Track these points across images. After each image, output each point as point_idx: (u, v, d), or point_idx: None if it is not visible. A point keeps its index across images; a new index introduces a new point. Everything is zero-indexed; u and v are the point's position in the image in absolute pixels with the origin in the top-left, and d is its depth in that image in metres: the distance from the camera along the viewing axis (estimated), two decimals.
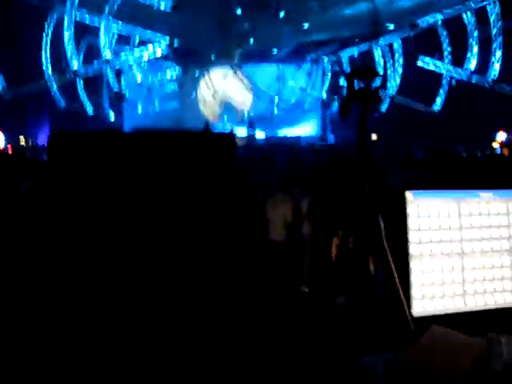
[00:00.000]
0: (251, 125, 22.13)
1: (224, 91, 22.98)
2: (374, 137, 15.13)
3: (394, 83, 21.56)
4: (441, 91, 20.45)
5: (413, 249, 2.30)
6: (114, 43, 20.52)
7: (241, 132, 21.13)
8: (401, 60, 21.54)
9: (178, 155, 3.53)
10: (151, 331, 3.23)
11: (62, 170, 3.62)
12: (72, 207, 3.60)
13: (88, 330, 3.42)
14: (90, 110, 20.60)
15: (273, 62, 23.29)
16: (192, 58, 22.37)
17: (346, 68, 22.60)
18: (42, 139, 19.89)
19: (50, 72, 19.69)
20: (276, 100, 23.40)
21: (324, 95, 24.24)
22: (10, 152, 15.23)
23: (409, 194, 2.31)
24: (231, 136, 4.02)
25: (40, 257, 3.92)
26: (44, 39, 19.72)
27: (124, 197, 3.37)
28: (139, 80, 22.19)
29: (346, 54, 22.74)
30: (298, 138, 22.06)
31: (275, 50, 22.10)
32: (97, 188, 3.42)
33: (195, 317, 3.50)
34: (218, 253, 3.64)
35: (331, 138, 23.02)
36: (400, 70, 21.57)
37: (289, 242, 7.01)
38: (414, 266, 2.30)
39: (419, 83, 19.44)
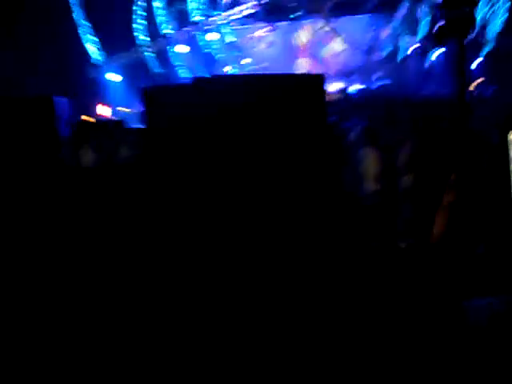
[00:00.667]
0: (346, 78, 21.60)
1: (315, 44, 22.55)
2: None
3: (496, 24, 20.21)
4: None
5: None
6: (202, 6, 20.66)
7: (336, 85, 20.71)
8: None
9: (272, 96, 3.48)
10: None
11: (160, 120, 3.65)
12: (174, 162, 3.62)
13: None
14: (182, 73, 20.93)
15: (365, 11, 22.48)
16: (281, 13, 22.06)
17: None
18: (138, 109, 20.43)
19: (143, 39, 20.14)
20: (369, 51, 22.67)
21: (420, 43, 23.16)
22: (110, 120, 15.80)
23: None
24: (320, 77, 3.91)
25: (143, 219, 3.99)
26: (135, 7, 20.14)
27: (222, 138, 3.37)
28: (228, 40, 22.22)
29: None
30: (393, 89, 21.30)
31: None
32: (197, 131, 3.42)
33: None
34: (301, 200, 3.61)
35: (428, 89, 22.04)
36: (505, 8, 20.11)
37: (383, 195, 6.85)
38: None
39: None
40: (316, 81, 3.93)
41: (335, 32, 22.41)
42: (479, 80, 17.97)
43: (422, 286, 5.05)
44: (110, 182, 4.62)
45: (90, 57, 19.64)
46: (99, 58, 19.85)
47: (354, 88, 21.62)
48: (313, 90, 3.73)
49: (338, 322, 3.48)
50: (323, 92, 3.90)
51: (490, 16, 20.33)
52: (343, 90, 20.55)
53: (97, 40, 19.66)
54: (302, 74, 4.84)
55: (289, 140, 3.56)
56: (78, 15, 19.34)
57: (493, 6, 20.38)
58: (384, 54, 22.84)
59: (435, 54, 21.99)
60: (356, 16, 22.62)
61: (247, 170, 3.53)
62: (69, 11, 19.17)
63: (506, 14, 19.96)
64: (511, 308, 1.83)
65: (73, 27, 19.25)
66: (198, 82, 3.53)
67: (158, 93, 4.09)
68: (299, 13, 22.02)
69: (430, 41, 22.36)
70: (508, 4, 19.87)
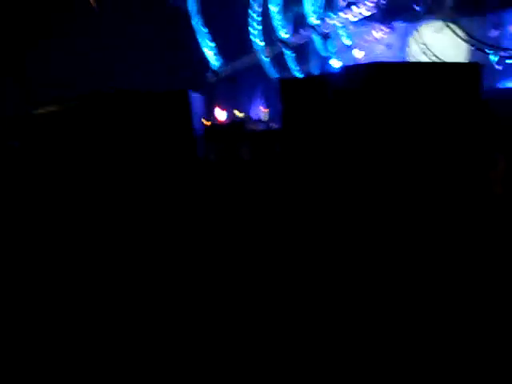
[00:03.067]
0: None
1: (436, 46, 21.68)
2: None
3: None
4: None
5: None
6: (319, 9, 20.50)
7: None
8: None
9: (428, 83, 3.24)
10: None
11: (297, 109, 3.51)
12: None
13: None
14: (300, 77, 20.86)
15: (489, 10, 21.30)
16: (399, 14, 21.46)
17: None
18: (254, 113, 20.61)
19: (259, 44, 20.30)
20: (495, 51, 21.45)
21: None
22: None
23: None
24: (477, 65, 3.61)
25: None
26: (251, 12, 20.33)
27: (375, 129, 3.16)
28: (347, 43, 21.86)
29: None
30: None
31: None
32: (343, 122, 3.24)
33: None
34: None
35: None
36: None
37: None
38: None
39: None
40: (472, 69, 3.65)
41: (456, 32, 21.45)
42: None
43: None
44: (235, 176, 4.57)
45: (208, 62, 20.09)
46: (216, 63, 20.26)
47: None
48: (469, 77, 3.45)
49: None
50: (480, 80, 3.61)
51: None
52: None
53: (214, 45, 20.08)
54: (459, 62, 4.57)
55: (443, 125, 3.31)
56: (197, 22, 19.86)
57: None
58: (508, 53, 21.55)
59: None
60: (478, 15, 21.55)
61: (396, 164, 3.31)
62: (188, 19, 19.73)
63: None
64: None
65: (192, 34, 19.80)
66: (348, 70, 3.31)
67: (295, 84, 3.94)
68: (418, 13, 21.30)
69: None
70: None
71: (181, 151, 4.04)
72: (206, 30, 20.02)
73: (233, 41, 19.83)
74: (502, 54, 21.30)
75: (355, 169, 3.27)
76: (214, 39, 20.06)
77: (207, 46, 20.14)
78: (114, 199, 3.73)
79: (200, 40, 20.01)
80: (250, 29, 20.38)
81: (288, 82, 3.87)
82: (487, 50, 21.09)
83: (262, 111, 20.08)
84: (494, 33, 21.76)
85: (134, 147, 3.81)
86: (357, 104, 3.05)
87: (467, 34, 21.20)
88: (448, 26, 21.08)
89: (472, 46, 21.09)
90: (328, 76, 3.71)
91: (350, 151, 3.26)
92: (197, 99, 4.47)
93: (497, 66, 21.11)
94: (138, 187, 3.79)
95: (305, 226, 3.73)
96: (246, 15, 20.29)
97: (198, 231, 4.20)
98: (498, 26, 21.70)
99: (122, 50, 16.88)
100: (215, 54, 20.16)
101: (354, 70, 3.25)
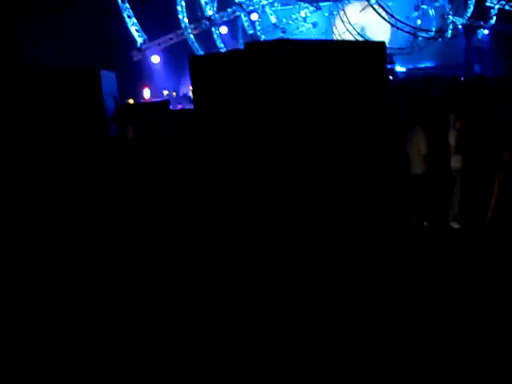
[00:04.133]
0: (390, 59, 21.01)
1: (360, 25, 22.12)
2: None
3: None
4: None
5: None
6: None
7: None
8: None
9: (334, 61, 3.31)
10: None
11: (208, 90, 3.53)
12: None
13: None
14: None
15: None
16: None
17: None
18: (183, 90, 20.37)
19: (186, 21, 19.98)
20: (416, 31, 22.00)
21: (468, 21, 22.31)
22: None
23: None
24: (382, 44, 3.75)
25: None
26: None
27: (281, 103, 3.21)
28: (273, 21, 21.86)
29: None
30: (440, 68, 20.65)
31: None
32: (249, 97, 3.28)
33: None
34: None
35: (477, 69, 21.27)
36: None
37: (431, 176, 6.64)
38: None
39: None
40: (378, 47, 3.80)
41: (379, 12, 21.89)
42: None
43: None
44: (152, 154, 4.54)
45: (134, 40, 19.58)
46: (139, 39, 19.67)
47: (399, 69, 21.06)
48: (375, 55, 3.59)
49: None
50: (385, 57, 3.78)
51: None
52: (391, 69, 19.95)
53: (136, 22, 19.48)
54: (364, 42, 4.69)
55: (351, 100, 3.42)
56: None
57: None
58: (430, 34, 22.20)
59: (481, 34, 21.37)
60: None
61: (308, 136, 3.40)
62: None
63: None
64: None
65: (118, 13, 19.11)
66: (250, 47, 3.35)
67: (204, 61, 3.94)
68: None
69: (477, 20, 21.59)
70: None
71: (91, 131, 3.99)
72: (126, 6, 19.26)
73: (159, 17, 19.37)
74: (422, 33, 21.93)
75: (263, 148, 3.33)
76: (137, 15, 19.41)
77: (132, 24, 19.54)
78: (20, 186, 3.66)
79: (125, 17, 19.37)
80: (177, 5, 19.99)
81: (197, 59, 3.87)
82: (408, 30, 21.63)
83: (189, 89, 19.88)
84: (414, 13, 22.46)
85: (39, 127, 3.72)
86: (261, 82, 3.10)
87: (389, 14, 21.67)
88: (371, 6, 21.43)
89: (393, 25, 21.58)
90: (233, 53, 3.72)
91: (258, 130, 3.33)
92: (110, 77, 4.40)
93: (416, 46, 21.76)
94: (47, 170, 3.72)
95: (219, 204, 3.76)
96: None
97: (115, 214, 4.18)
98: (418, 7, 22.39)
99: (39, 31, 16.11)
100: (137, 31, 19.57)
101: (257, 47, 3.30)
